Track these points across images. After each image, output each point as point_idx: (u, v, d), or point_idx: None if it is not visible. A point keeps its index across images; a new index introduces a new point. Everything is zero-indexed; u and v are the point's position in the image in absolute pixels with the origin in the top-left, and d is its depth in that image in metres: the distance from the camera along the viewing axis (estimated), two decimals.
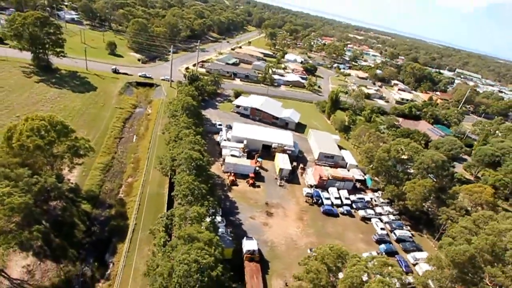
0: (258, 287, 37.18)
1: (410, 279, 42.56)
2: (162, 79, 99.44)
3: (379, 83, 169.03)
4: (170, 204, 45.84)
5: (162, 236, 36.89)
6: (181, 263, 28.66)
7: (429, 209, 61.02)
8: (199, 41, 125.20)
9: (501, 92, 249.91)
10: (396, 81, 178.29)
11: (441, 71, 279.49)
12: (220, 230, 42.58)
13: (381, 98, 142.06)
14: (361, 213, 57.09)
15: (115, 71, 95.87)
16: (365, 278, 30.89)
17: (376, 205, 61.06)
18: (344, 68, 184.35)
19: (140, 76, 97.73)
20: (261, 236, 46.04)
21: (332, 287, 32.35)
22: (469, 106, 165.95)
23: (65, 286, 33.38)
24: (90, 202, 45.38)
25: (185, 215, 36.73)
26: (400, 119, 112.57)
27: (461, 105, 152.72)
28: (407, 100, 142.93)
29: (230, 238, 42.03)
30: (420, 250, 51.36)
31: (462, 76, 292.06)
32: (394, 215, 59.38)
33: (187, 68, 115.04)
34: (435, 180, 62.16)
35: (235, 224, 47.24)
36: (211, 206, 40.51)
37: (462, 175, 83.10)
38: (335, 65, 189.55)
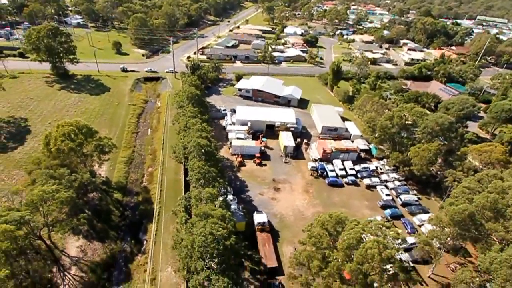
0: (270, 252, 42.22)
1: (412, 239, 45.18)
2: (166, 72, 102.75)
3: (387, 45, 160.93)
4: (187, 188, 51.38)
5: (183, 215, 42.71)
6: (199, 236, 34.16)
7: (438, 172, 60.94)
8: (196, 29, 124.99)
9: None
10: (405, 41, 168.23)
11: (459, 21, 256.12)
12: (232, 207, 47.59)
13: (389, 61, 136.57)
14: (366, 181, 59.19)
15: (124, 70, 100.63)
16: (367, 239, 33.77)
17: (382, 173, 62.62)
18: (347, 34, 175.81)
19: (146, 71, 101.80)
20: (271, 210, 50.73)
21: (333, 248, 36.22)
22: (490, 57, 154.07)
23: (111, 260, 40.73)
24: (120, 192, 52.21)
25: (200, 196, 42.02)
26: (409, 82, 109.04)
27: (479, 58, 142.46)
28: (418, 60, 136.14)
29: (242, 213, 47.04)
30: (426, 212, 52.53)
31: (484, 24, 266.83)
32: (400, 181, 60.60)
33: (188, 57, 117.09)
34: (445, 142, 61.42)
35: (245, 201, 52.20)
36: (221, 186, 45.55)
37: (478, 134, 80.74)
38: (338, 32, 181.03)
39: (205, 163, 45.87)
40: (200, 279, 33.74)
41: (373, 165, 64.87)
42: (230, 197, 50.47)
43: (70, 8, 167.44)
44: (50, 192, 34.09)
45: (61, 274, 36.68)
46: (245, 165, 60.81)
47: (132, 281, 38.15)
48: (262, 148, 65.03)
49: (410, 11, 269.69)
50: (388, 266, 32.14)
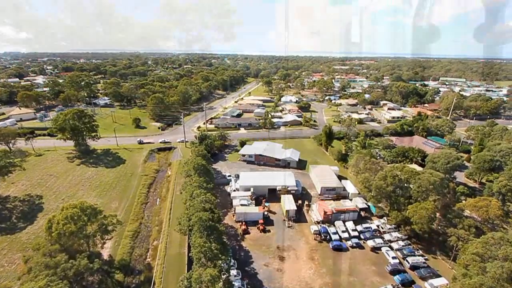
0: None
1: None
2: (178, 142, 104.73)
3: (369, 106, 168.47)
4: (190, 262, 45.42)
5: None
6: None
7: (439, 228, 56.37)
8: (205, 103, 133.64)
9: (489, 91, 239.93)
10: (384, 101, 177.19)
11: (426, 82, 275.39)
12: (236, 285, 41.24)
13: (373, 120, 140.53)
14: (370, 243, 53.19)
15: (140, 142, 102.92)
16: None
17: (384, 232, 56.99)
18: (335, 99, 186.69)
19: (160, 142, 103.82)
20: (276, 284, 43.78)
21: None
22: (459, 111, 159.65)
23: None
24: (122, 271, 45.97)
25: (201, 279, 36.39)
26: (394, 138, 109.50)
27: (450, 113, 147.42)
28: (398, 117, 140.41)
29: None
30: (437, 276, 46.07)
31: (447, 83, 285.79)
32: (403, 240, 54.85)
33: (198, 127, 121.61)
34: (439, 197, 58.00)
35: (250, 274, 45.55)
36: (224, 262, 40.04)
37: (466, 183, 77.66)
38: (327, 97, 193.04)
39: (206, 240, 41.30)
40: None
41: (374, 224, 59.27)
42: (234, 272, 44.34)
43: (100, 91, 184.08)
44: None
45: None
46: (249, 233, 55.46)
47: None
48: (265, 213, 60.52)
49: (384, 77, 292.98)
50: None
